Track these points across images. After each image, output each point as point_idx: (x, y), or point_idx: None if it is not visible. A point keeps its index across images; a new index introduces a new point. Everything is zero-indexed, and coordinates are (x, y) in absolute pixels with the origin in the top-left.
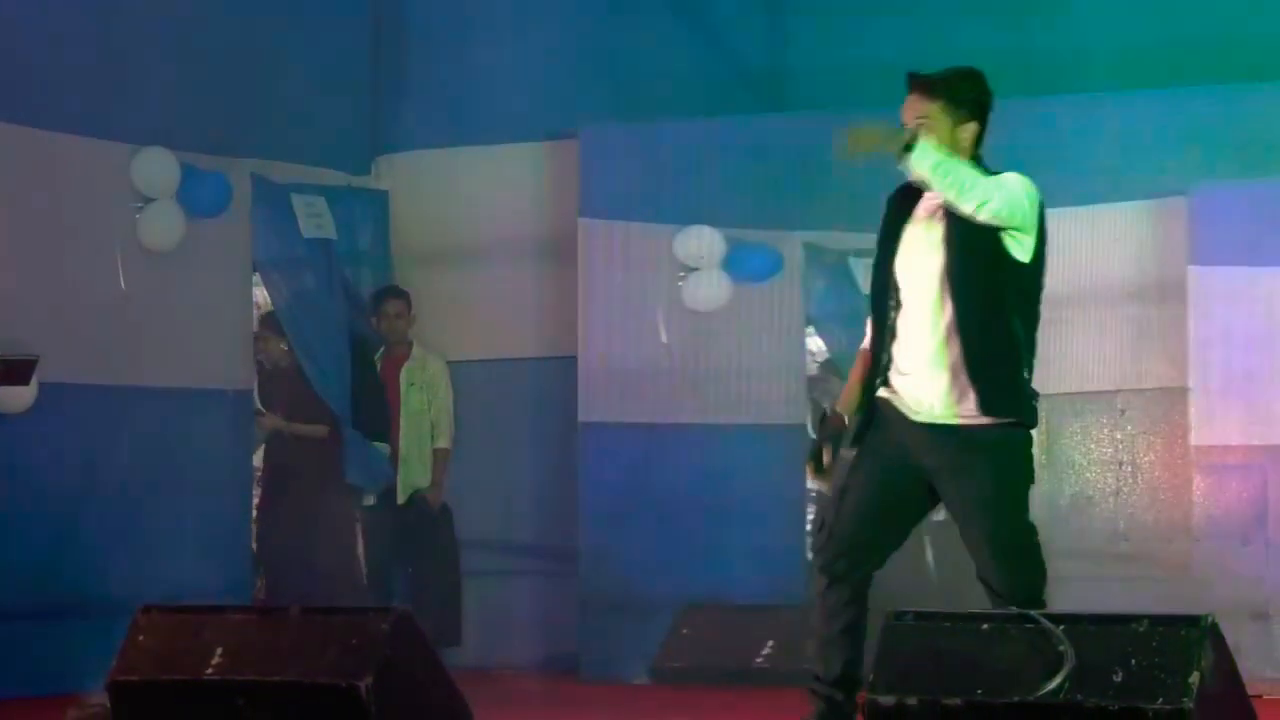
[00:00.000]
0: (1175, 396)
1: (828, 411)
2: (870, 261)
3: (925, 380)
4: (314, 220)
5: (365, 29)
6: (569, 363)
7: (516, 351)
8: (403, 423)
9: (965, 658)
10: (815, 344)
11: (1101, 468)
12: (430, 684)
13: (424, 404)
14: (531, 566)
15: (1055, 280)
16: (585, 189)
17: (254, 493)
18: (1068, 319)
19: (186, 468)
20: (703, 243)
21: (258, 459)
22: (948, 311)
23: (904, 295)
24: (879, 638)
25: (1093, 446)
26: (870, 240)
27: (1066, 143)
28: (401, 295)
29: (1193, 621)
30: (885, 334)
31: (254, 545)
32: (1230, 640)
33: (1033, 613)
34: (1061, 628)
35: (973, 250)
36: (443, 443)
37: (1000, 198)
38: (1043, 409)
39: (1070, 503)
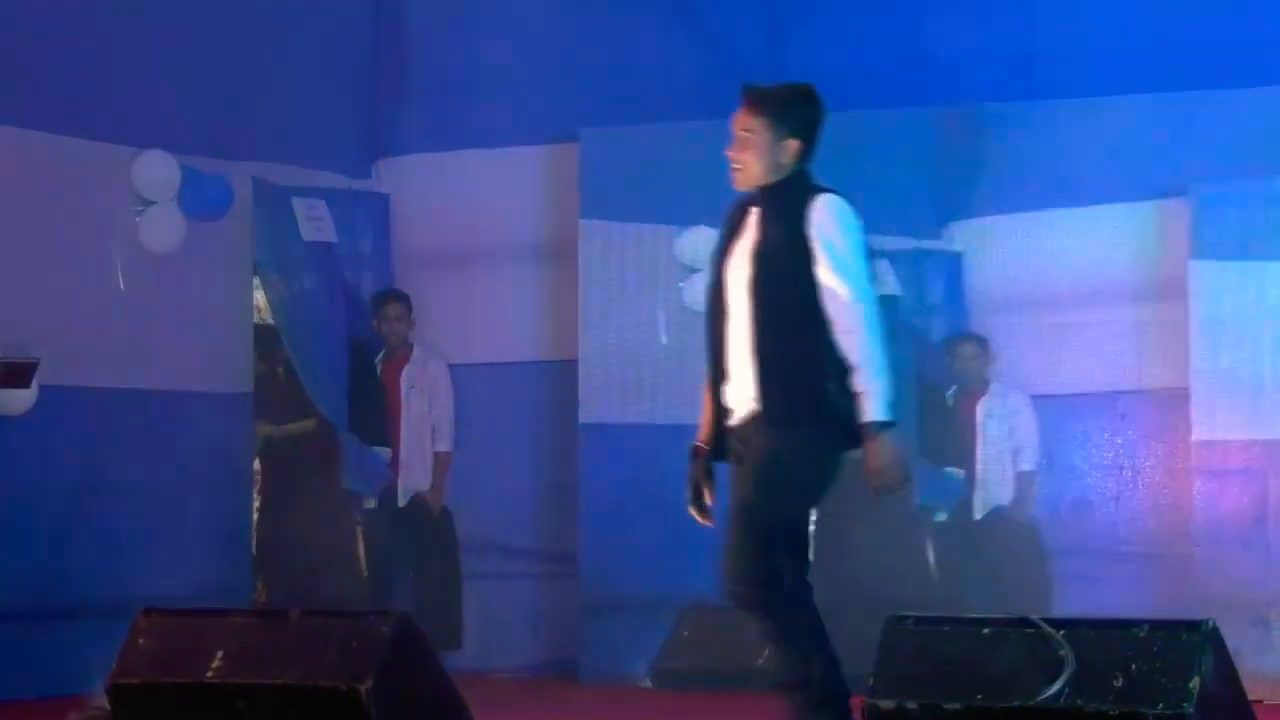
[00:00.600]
0: (1176, 399)
1: (692, 448)
2: (876, 263)
3: (738, 385)
4: (314, 223)
5: (366, 32)
6: (569, 366)
7: (517, 355)
8: (403, 426)
9: (965, 662)
10: None
11: (1101, 471)
12: (431, 687)
13: (424, 407)
14: (532, 569)
15: (1055, 282)
16: (586, 191)
17: (254, 495)
18: (1067, 321)
19: (187, 470)
20: (703, 244)
21: (257, 462)
22: (754, 321)
23: (729, 306)
24: (879, 641)
25: (1092, 450)
26: (874, 242)
27: (1066, 144)
28: (402, 298)
29: (1193, 626)
30: (721, 345)
31: (254, 548)
32: (1230, 645)
33: (1034, 617)
34: (1062, 632)
35: (775, 265)
36: (443, 446)
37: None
38: (1043, 410)
39: (1070, 506)
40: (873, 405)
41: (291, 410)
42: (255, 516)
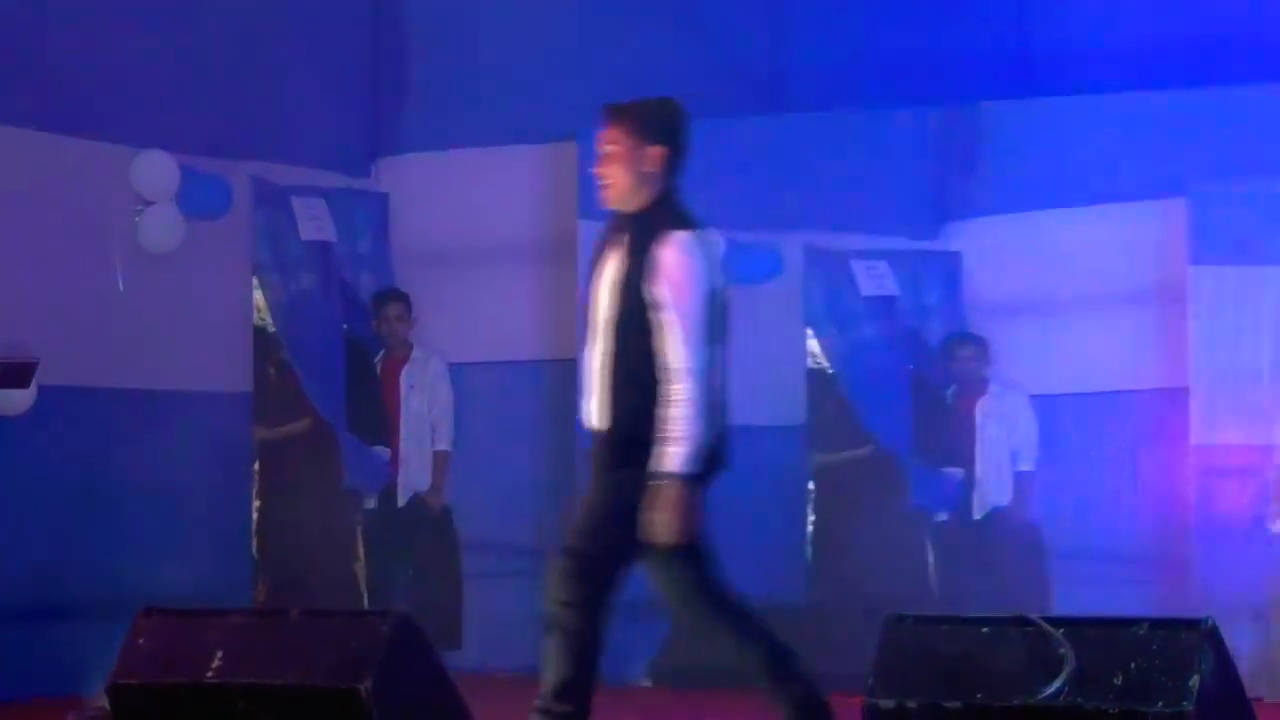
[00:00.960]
0: (1175, 398)
1: None
2: (870, 264)
3: (595, 403)
4: (314, 223)
5: (365, 32)
6: (568, 365)
7: (516, 353)
8: (403, 425)
9: (965, 661)
10: (814, 345)
11: (1100, 472)
12: (430, 686)
13: (424, 406)
14: (532, 568)
15: (1054, 282)
16: (585, 191)
17: (254, 495)
18: (1067, 320)
19: (186, 470)
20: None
21: (257, 462)
22: (607, 352)
23: (592, 325)
24: (878, 640)
25: (1092, 450)
26: (873, 242)
27: (1065, 142)
28: (402, 298)
29: (1192, 625)
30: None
31: (254, 548)
32: (1230, 643)
33: (1033, 616)
34: (1061, 631)
35: (620, 297)
36: (443, 445)
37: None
38: (1043, 409)
39: (1071, 507)
40: (668, 459)
41: (288, 411)
42: (255, 516)
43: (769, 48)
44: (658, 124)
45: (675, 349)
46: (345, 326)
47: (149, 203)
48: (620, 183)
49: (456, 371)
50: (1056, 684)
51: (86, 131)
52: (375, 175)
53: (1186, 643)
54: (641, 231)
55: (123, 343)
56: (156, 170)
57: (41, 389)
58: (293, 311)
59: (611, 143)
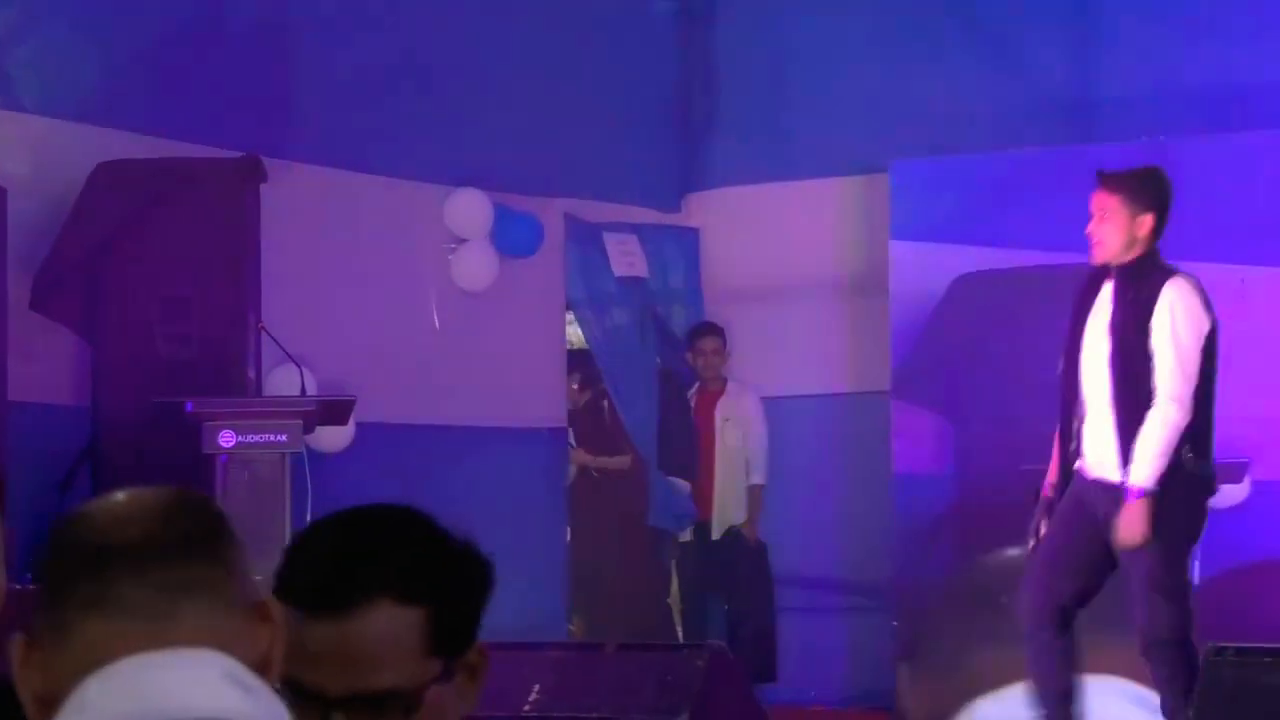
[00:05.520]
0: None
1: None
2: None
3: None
4: (626, 258)
5: (674, 66)
6: (881, 398)
7: (828, 387)
8: (718, 459)
9: None
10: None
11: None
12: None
13: (739, 440)
14: (846, 603)
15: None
16: (897, 222)
17: (567, 529)
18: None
19: (501, 505)
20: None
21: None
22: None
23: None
24: (1201, 675)
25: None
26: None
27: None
28: (717, 331)
29: None
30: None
31: (569, 581)
32: None
33: None
34: None
35: (1127, 341)
36: (757, 479)
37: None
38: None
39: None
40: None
41: (608, 442)
42: (569, 551)
43: (1076, 78)
44: (1151, 195)
45: (1169, 387)
46: (658, 360)
47: (463, 240)
48: (1112, 245)
49: (770, 405)
50: None
51: (401, 171)
52: (686, 210)
53: None
54: (1137, 276)
55: (438, 379)
56: (470, 208)
57: (359, 426)
58: (608, 347)
59: (1106, 208)
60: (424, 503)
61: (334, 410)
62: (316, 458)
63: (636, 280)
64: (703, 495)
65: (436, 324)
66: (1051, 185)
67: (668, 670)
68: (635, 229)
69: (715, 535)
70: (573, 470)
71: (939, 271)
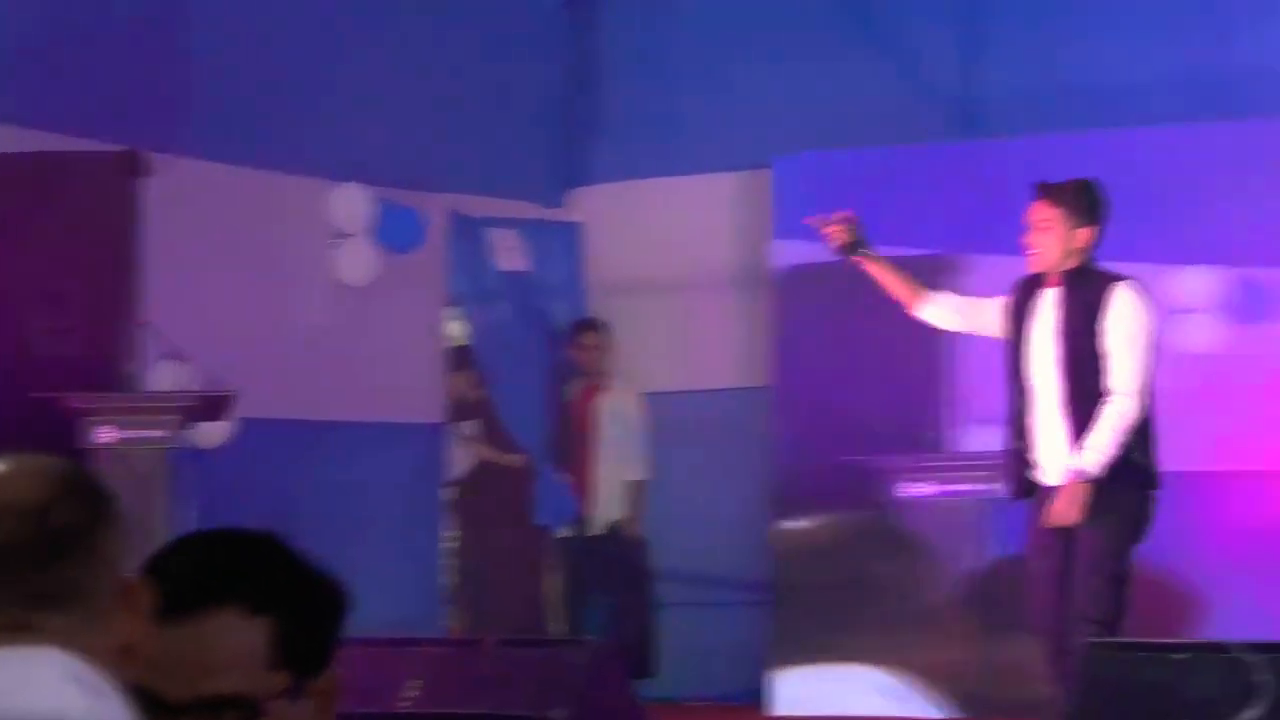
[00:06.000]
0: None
1: None
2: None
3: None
4: (509, 253)
5: (558, 62)
6: (763, 393)
7: (710, 382)
8: (598, 455)
9: (1162, 689)
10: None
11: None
12: (626, 716)
13: (620, 435)
14: (726, 598)
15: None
16: (779, 219)
17: (447, 525)
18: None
19: (379, 501)
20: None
21: (450, 491)
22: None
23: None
24: (1079, 668)
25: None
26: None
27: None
28: (599, 327)
29: None
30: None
31: (446, 577)
32: None
33: (1230, 643)
34: (1261, 657)
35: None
36: (638, 474)
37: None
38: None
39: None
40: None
41: (497, 443)
42: (448, 546)
43: (962, 75)
44: (1089, 208)
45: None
46: (542, 355)
47: (345, 235)
48: (1050, 256)
49: (651, 400)
50: (1255, 712)
51: (284, 165)
52: (569, 205)
53: None
54: (1081, 283)
55: (320, 374)
56: (353, 203)
57: (238, 421)
58: (491, 342)
59: (1045, 220)
60: (303, 498)
61: (214, 405)
62: (196, 453)
63: (519, 275)
64: (583, 491)
65: (318, 319)
66: (936, 181)
67: (547, 666)
68: (518, 224)
69: (596, 531)
70: (471, 464)
71: (821, 267)
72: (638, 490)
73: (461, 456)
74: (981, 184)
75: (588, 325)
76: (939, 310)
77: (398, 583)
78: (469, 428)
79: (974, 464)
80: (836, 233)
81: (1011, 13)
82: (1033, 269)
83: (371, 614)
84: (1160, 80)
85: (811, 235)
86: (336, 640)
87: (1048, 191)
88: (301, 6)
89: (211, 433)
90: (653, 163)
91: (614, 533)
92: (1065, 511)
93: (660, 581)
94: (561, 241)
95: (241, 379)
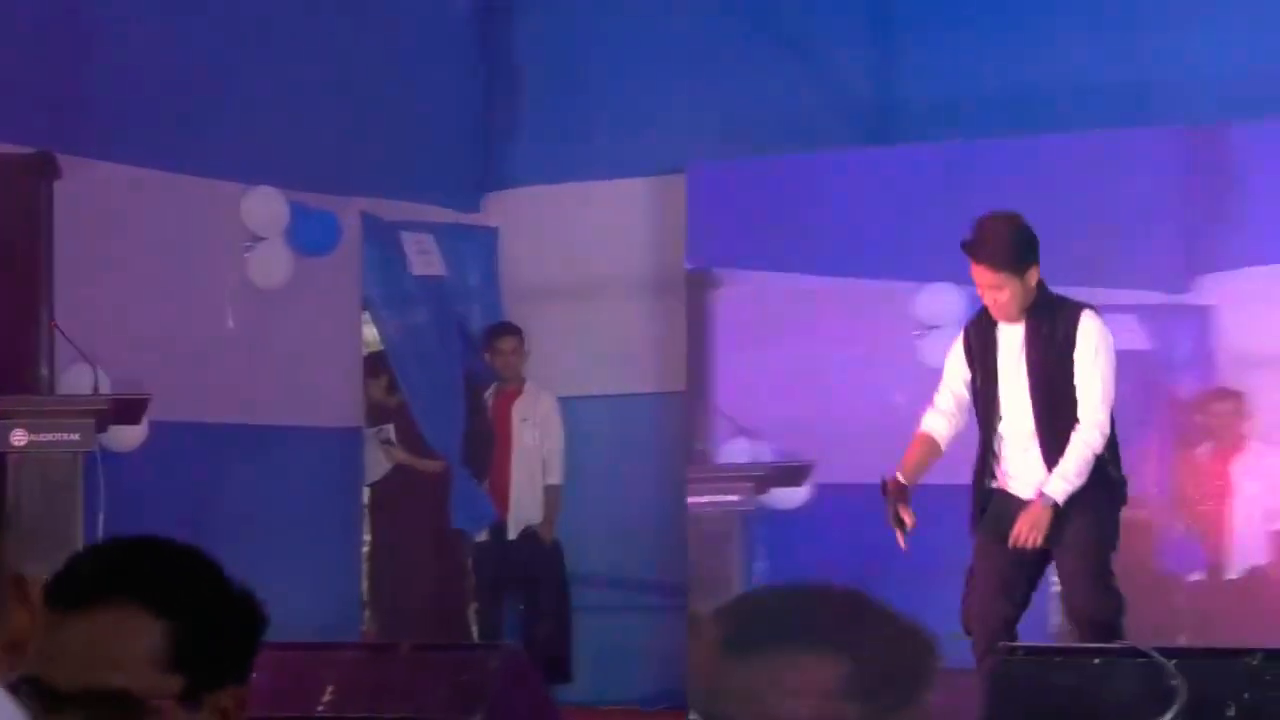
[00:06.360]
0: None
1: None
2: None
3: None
4: (423, 257)
5: (473, 66)
6: (679, 398)
7: (627, 387)
8: (515, 459)
9: (1076, 693)
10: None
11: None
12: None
13: (536, 440)
14: (642, 602)
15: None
16: (693, 224)
17: (364, 530)
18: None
19: (294, 505)
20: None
21: (367, 495)
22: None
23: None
24: (989, 674)
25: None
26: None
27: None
28: (515, 331)
29: None
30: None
31: (364, 583)
32: None
33: (1145, 647)
34: (1174, 662)
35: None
36: (554, 479)
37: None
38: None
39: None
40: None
41: (414, 448)
42: (365, 551)
43: (876, 81)
44: (1025, 250)
45: (1090, 409)
46: (458, 360)
47: (259, 238)
48: (1013, 309)
49: (567, 405)
50: (1169, 716)
51: (197, 168)
52: (485, 209)
53: None
54: (1047, 317)
55: (233, 378)
56: (267, 206)
57: (152, 425)
58: (405, 347)
59: (993, 284)
60: (217, 502)
61: (127, 409)
62: (110, 457)
63: (434, 280)
64: (499, 495)
65: (231, 322)
66: (849, 187)
67: (461, 671)
68: (433, 228)
69: (511, 535)
70: (388, 468)
71: (736, 272)
72: (554, 495)
73: (378, 461)
74: (896, 189)
75: (503, 330)
76: (943, 419)
77: (314, 588)
78: (386, 432)
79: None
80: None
81: (926, 19)
82: (1000, 320)
83: (287, 619)
84: (1075, 86)
85: (724, 239)
86: (245, 656)
87: (984, 254)
88: (216, 8)
89: (125, 436)
90: (568, 167)
91: (530, 537)
92: (1028, 534)
93: (576, 586)
94: (477, 246)
95: (155, 382)
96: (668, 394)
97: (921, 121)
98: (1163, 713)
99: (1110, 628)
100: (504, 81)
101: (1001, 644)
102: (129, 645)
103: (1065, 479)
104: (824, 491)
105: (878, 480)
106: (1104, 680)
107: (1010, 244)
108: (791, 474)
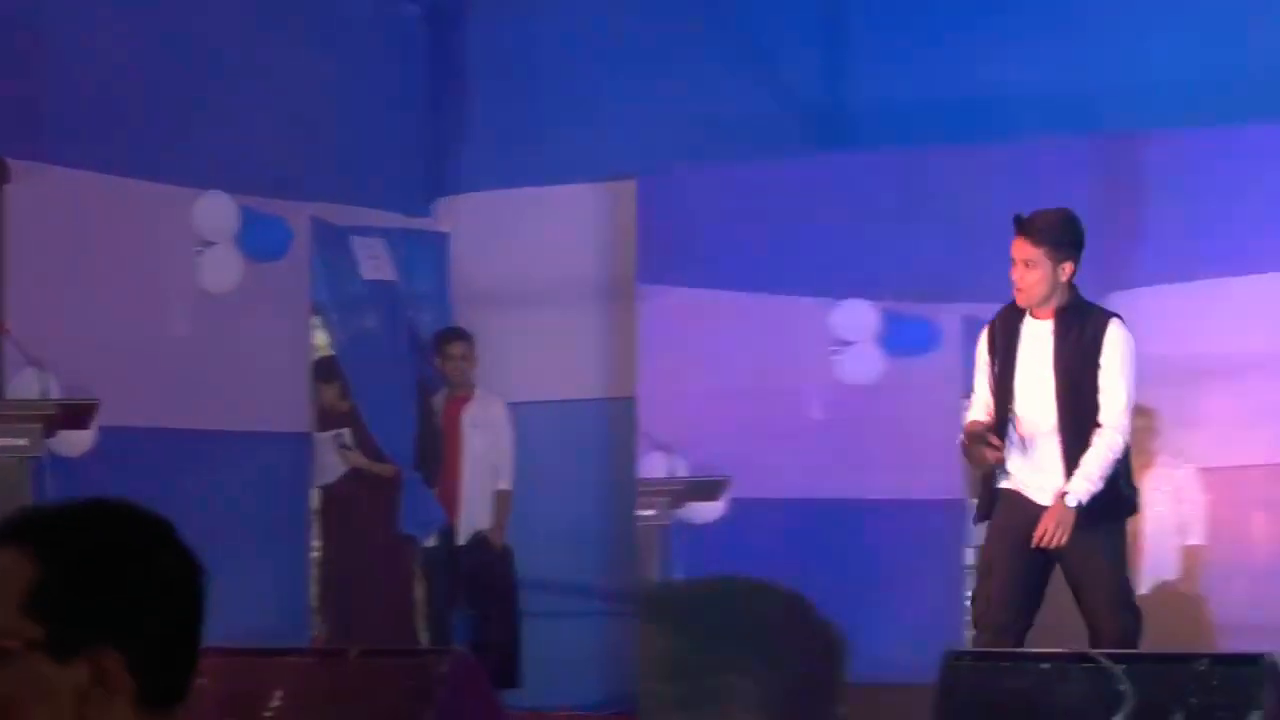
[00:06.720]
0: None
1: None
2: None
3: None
4: (373, 262)
5: (423, 71)
6: (628, 404)
7: (577, 392)
8: (464, 465)
9: (1025, 698)
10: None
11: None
12: None
13: (486, 445)
14: (591, 607)
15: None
16: (643, 229)
17: (313, 535)
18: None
19: (244, 510)
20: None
21: (316, 500)
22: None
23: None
24: (939, 678)
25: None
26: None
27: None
28: (465, 337)
29: (1253, 660)
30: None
31: (313, 588)
32: None
33: (1093, 652)
34: (1122, 667)
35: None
36: (503, 484)
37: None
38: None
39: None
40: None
41: (366, 453)
42: (314, 556)
43: (829, 86)
44: (1071, 242)
45: (1111, 414)
46: (409, 365)
47: (209, 243)
48: (1038, 292)
49: (517, 410)
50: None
51: (148, 173)
52: (435, 214)
53: (1247, 678)
54: (1075, 317)
55: (182, 383)
56: (217, 211)
57: (101, 430)
58: (355, 351)
59: (1030, 258)
60: (168, 507)
61: (76, 414)
62: (59, 462)
63: (384, 285)
64: (449, 501)
65: (181, 327)
66: (801, 194)
67: (410, 676)
68: (383, 233)
69: (461, 540)
70: (340, 473)
71: (687, 278)
72: (503, 500)
73: (332, 465)
74: (849, 196)
75: (453, 335)
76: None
77: (262, 592)
78: (344, 437)
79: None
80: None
81: (878, 26)
82: (1020, 304)
83: (236, 624)
84: (1024, 92)
85: (675, 247)
86: (126, 618)
87: (1029, 228)
88: (166, 13)
89: (74, 441)
90: (518, 172)
91: (479, 542)
92: (1053, 533)
93: (525, 591)
94: (427, 251)
95: (105, 387)
96: (617, 399)
97: (874, 128)
98: (1110, 717)
99: (1133, 645)
100: (454, 86)
101: (949, 649)
102: (3, 585)
103: (1089, 479)
104: (739, 506)
105: (796, 496)
106: (1053, 685)
107: (1056, 226)
108: (707, 489)
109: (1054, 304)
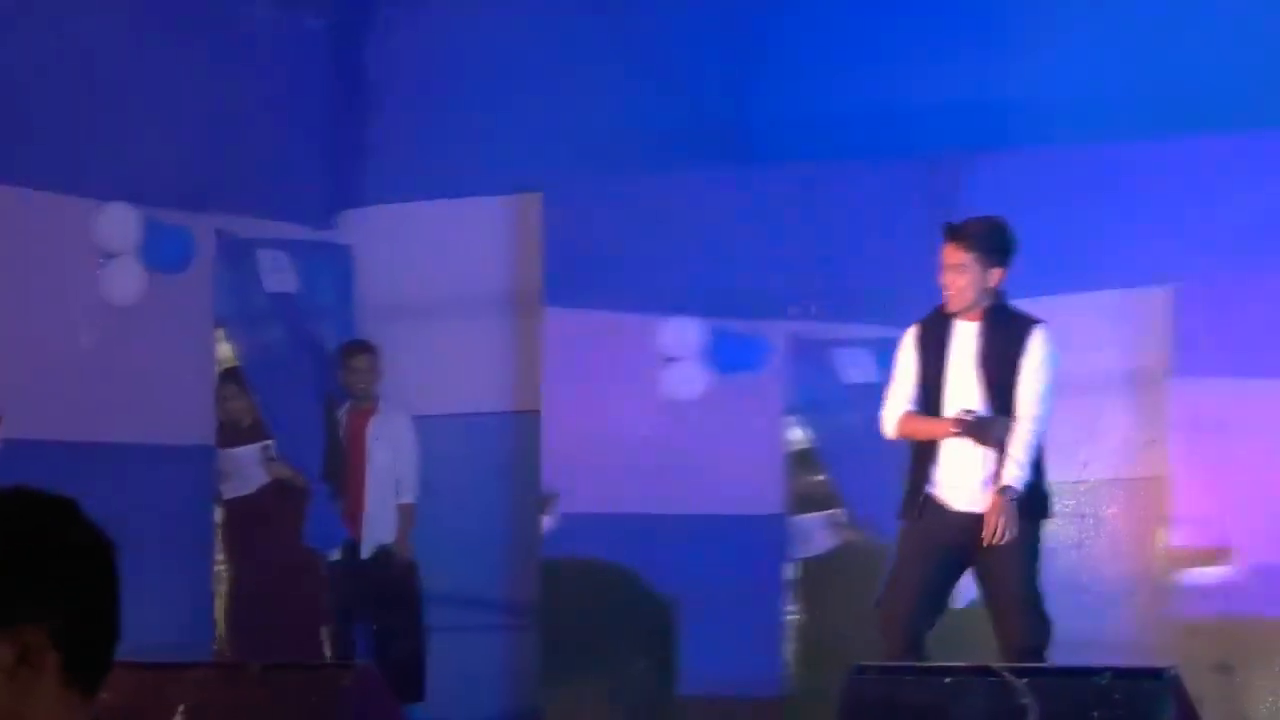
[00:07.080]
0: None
1: None
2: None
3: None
4: (277, 275)
5: (328, 83)
6: (533, 417)
7: (481, 406)
8: (369, 477)
9: (928, 712)
10: (796, 434)
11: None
12: None
13: (390, 459)
14: (495, 621)
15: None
16: (549, 242)
17: (216, 549)
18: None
19: (148, 524)
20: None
21: (219, 514)
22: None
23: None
24: (841, 692)
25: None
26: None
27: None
28: (369, 349)
29: (1155, 674)
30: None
31: (216, 602)
32: (1193, 692)
33: (996, 666)
34: (1025, 680)
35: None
36: (407, 498)
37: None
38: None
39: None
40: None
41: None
42: (217, 570)
43: (733, 98)
44: (1000, 249)
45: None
46: (313, 377)
47: (112, 255)
48: (966, 297)
49: (421, 424)
50: None
51: (49, 184)
52: (339, 227)
53: (1150, 692)
54: (1001, 322)
55: (86, 395)
56: (120, 222)
57: (4, 443)
58: (259, 363)
59: (959, 263)
60: None
61: None
62: None
63: (288, 297)
64: (353, 514)
65: (84, 339)
66: (706, 207)
67: (313, 690)
68: (287, 245)
69: (365, 554)
70: (248, 486)
71: (592, 291)
72: (407, 513)
73: (253, 476)
74: (754, 209)
75: (358, 348)
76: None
77: (165, 606)
78: (271, 448)
79: None
80: None
81: (785, 40)
82: (949, 309)
83: (140, 639)
84: (932, 105)
85: (581, 259)
86: (44, 592)
87: (959, 234)
88: (67, 22)
89: None
90: (423, 185)
91: (383, 556)
92: (1001, 527)
93: (430, 605)
94: (331, 263)
95: (6, 399)
96: (522, 413)
97: (780, 142)
98: None
99: (1040, 654)
100: (359, 98)
101: (855, 663)
102: None
103: (1020, 466)
104: (569, 521)
105: (624, 512)
106: (955, 699)
107: (986, 233)
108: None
109: (981, 309)
